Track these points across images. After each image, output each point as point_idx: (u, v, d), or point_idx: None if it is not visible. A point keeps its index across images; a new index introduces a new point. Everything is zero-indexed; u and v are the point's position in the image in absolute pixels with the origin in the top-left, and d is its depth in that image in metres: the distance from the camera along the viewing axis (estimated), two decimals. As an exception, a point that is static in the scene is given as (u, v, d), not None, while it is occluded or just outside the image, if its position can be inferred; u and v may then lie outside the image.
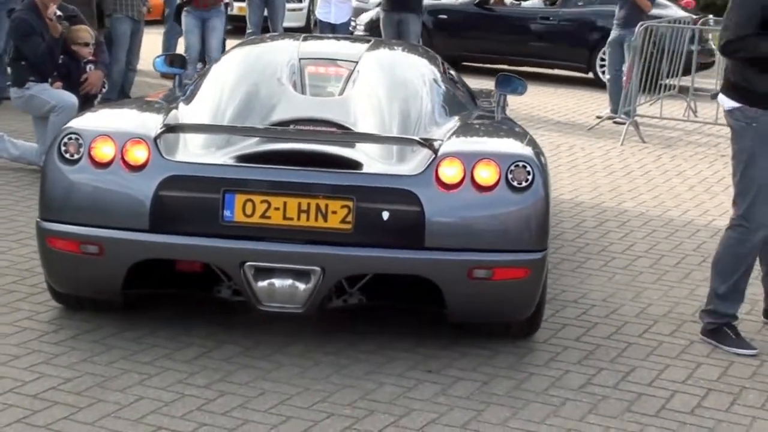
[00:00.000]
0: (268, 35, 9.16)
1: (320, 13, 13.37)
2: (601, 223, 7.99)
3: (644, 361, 5.36)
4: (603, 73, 15.42)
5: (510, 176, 5.07)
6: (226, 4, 12.88)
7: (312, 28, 20.04)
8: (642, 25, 11.67)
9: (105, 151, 5.09)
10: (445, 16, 16.41)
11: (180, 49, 12.79)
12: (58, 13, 8.42)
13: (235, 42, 8.55)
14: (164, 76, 11.45)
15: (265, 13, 13.97)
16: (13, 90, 8.68)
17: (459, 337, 5.44)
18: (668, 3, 15.97)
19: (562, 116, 12.96)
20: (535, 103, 13.41)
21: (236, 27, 15.71)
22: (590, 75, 15.67)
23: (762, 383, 5.18)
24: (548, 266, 5.45)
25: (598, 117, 12.58)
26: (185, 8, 12.18)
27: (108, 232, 5.03)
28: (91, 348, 5.09)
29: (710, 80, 14.21)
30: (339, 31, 13.15)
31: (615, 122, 12.15)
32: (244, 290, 5.05)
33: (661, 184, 9.44)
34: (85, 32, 8.71)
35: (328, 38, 8.20)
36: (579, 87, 15.46)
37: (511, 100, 6.88)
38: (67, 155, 5.14)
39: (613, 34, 12.68)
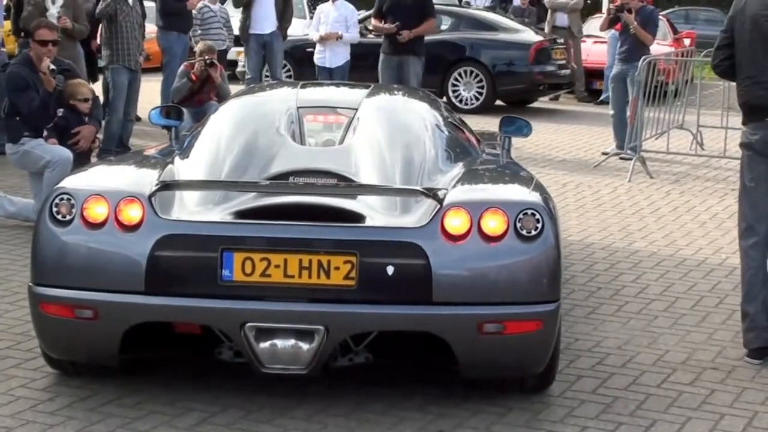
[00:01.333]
0: (265, 84, 9.02)
1: (317, 59, 13.26)
2: (613, 265, 7.79)
3: (664, 413, 5.15)
4: (457, 98, 15.82)
5: (518, 225, 4.89)
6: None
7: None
8: (645, 60, 11.52)
9: (98, 211, 4.93)
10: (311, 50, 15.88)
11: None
12: (52, 66, 8.29)
13: (235, 89, 8.43)
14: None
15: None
16: (8, 146, 8.55)
17: (470, 393, 5.23)
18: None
19: (567, 154, 12.80)
20: (539, 141, 13.24)
21: (233, 72, 15.60)
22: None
23: (788, 433, 4.98)
24: (561, 314, 5.25)
25: (604, 153, 12.41)
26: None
27: (102, 296, 4.86)
28: (87, 417, 4.89)
29: (716, 111, 14.05)
30: (336, 75, 13.02)
31: (621, 158, 11.99)
32: (245, 352, 4.87)
33: (672, 221, 9.25)
34: (84, 87, 8.60)
35: (327, 85, 8.07)
36: (583, 123, 15.31)
37: (515, 139, 6.72)
38: (59, 216, 4.97)
39: (616, 68, 12.54)
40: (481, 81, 15.84)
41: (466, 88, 15.93)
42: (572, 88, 17.73)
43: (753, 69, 5.84)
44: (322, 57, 13.32)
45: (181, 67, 11.71)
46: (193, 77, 11.17)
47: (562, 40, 17.10)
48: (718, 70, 6.16)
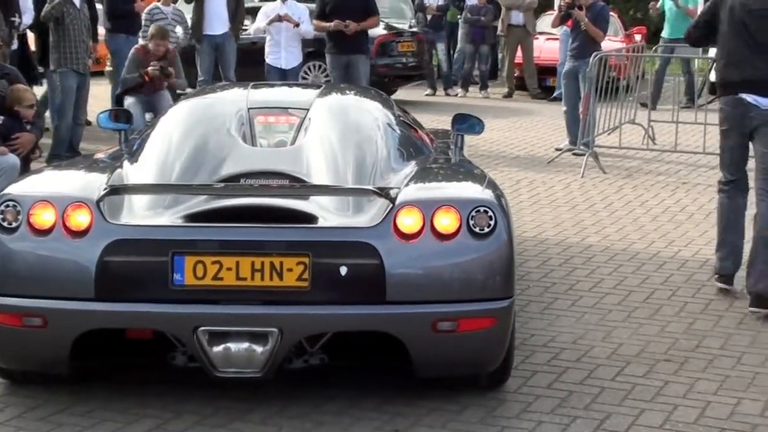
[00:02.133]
0: (216, 85, 8.95)
1: (270, 59, 13.08)
2: (567, 260, 7.81)
3: (619, 406, 5.17)
4: None
5: (471, 222, 4.88)
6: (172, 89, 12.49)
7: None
8: (596, 56, 11.56)
9: (45, 217, 4.86)
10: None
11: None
12: None
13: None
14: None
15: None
16: (-47, 153, 8.41)
17: (426, 391, 5.22)
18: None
19: (520, 150, 12.81)
20: (493, 138, 13.25)
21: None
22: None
23: (740, 423, 5.01)
24: (515, 311, 5.25)
25: (558, 149, 12.44)
26: (127, 94, 11.71)
27: (51, 303, 4.80)
28: (38, 427, 4.83)
29: (667, 107, 14.15)
30: (289, 77, 12.92)
31: (574, 154, 12.01)
32: (198, 356, 4.83)
33: (625, 216, 9.28)
34: (29, 93, 8.49)
35: (278, 85, 8.02)
36: (537, 120, 15.35)
37: (469, 137, 6.73)
38: (5, 223, 4.90)
39: (568, 65, 12.56)
40: (328, 75, 15.68)
41: (315, 81, 15.73)
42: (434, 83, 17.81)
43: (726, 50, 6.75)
44: (276, 57, 13.10)
45: (132, 51, 11.62)
46: (146, 77, 11.13)
47: (411, 33, 17.19)
48: (690, 39, 7.25)
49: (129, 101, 11.44)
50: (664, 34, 16.23)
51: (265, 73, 13.10)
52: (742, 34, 6.65)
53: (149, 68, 11.22)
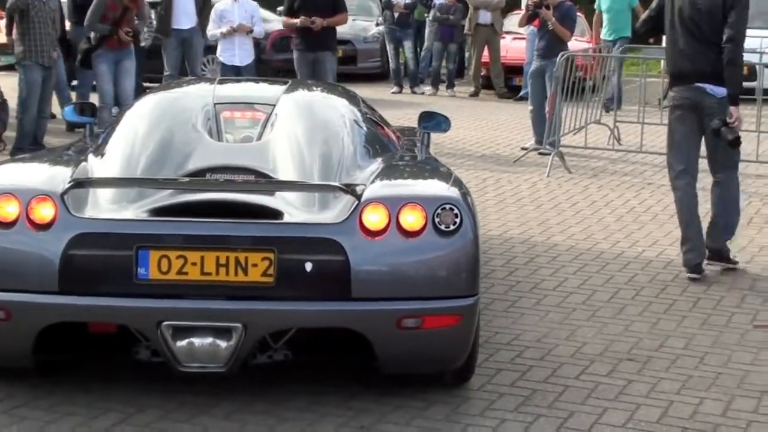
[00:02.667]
0: (182, 80, 8.92)
1: (224, 57, 12.89)
2: (532, 259, 7.83)
3: (582, 405, 5.19)
4: None
5: (437, 220, 4.89)
6: (140, 45, 12.59)
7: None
8: (563, 56, 11.60)
9: (8, 210, 4.83)
10: None
11: (92, 96, 12.46)
12: None
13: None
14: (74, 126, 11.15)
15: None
16: None
17: (392, 388, 5.22)
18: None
19: (486, 149, 12.84)
20: (459, 136, 13.28)
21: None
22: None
23: (702, 422, 5.04)
24: (480, 309, 5.26)
25: (523, 149, 12.47)
26: (96, 51, 11.80)
27: (15, 296, 4.78)
28: (0, 421, 4.79)
29: (632, 107, 14.19)
30: (245, 73, 12.85)
31: (540, 153, 12.04)
32: (162, 351, 4.81)
33: (590, 215, 9.32)
34: None
35: (244, 81, 7.99)
36: (503, 119, 15.39)
37: (435, 135, 6.75)
38: (-31, 216, 4.86)
39: (534, 64, 12.59)
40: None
41: (212, 74, 15.64)
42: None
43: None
44: (230, 55, 12.92)
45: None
46: (115, 36, 11.55)
47: None
48: (637, 33, 8.53)
49: (98, 64, 11.78)
50: (605, 35, 15.83)
51: (220, 72, 12.98)
52: (692, 29, 7.27)
53: (121, 33, 11.59)
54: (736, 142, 7.22)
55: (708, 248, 7.53)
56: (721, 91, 7.22)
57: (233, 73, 12.63)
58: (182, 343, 4.75)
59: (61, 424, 4.79)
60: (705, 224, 7.57)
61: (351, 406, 5.06)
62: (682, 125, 7.41)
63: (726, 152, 7.36)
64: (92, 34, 11.86)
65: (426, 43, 18.74)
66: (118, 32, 11.57)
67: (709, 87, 7.26)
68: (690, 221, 7.41)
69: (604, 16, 15.89)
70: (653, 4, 7.74)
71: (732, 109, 7.15)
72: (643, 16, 7.99)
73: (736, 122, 7.15)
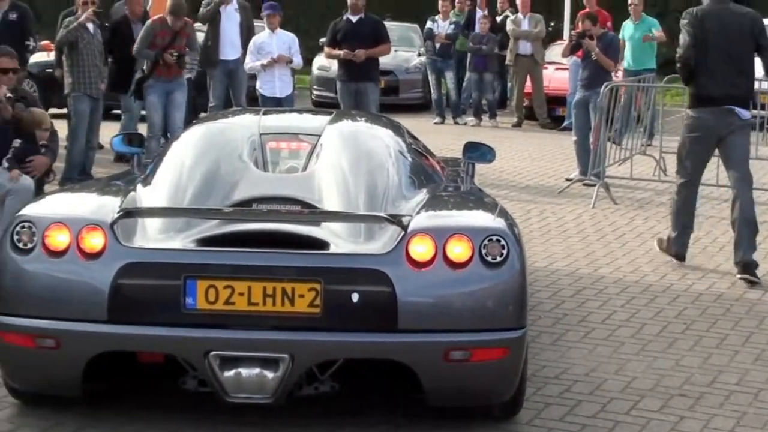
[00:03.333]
0: (228, 111, 8.96)
1: (264, 89, 12.83)
2: (579, 291, 7.78)
3: (633, 440, 5.13)
4: None
5: (484, 251, 4.86)
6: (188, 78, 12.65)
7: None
8: (607, 86, 11.56)
9: (59, 239, 4.86)
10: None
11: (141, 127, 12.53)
12: (9, 95, 8.18)
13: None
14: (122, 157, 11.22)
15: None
16: (-33, 174, 8.42)
17: (438, 420, 5.19)
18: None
19: (530, 180, 12.80)
20: (502, 167, 13.24)
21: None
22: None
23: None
24: (527, 341, 5.22)
25: (568, 179, 12.42)
26: (147, 82, 11.89)
27: (64, 325, 4.79)
28: (48, 449, 4.81)
29: (676, 138, 14.09)
30: (285, 104, 12.85)
31: (585, 184, 11.99)
32: (209, 381, 4.81)
33: (637, 247, 9.25)
34: (46, 117, 8.50)
35: (290, 111, 8.01)
36: (546, 149, 15.34)
37: (479, 165, 6.76)
38: (20, 244, 4.90)
39: (578, 95, 12.57)
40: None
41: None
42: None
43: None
44: (271, 87, 12.89)
45: (149, 22, 11.90)
46: (161, 61, 11.60)
47: None
48: (685, 79, 8.27)
49: (149, 95, 11.81)
50: (627, 65, 15.68)
51: (260, 104, 12.94)
52: (723, 56, 7.94)
53: (166, 56, 11.58)
54: None
55: (737, 263, 8.11)
56: (746, 114, 8.03)
57: (273, 104, 12.63)
58: (229, 373, 4.75)
59: (108, 453, 4.80)
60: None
61: (397, 438, 5.04)
62: (696, 144, 8.18)
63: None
64: (144, 65, 11.96)
65: (467, 74, 18.73)
66: (164, 56, 11.62)
67: (737, 109, 7.99)
68: (686, 223, 8.43)
69: (627, 45, 15.69)
70: (687, 45, 8.02)
71: None
72: (684, 59, 8.08)
73: None
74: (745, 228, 8.05)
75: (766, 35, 8.08)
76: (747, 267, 8.01)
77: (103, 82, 11.91)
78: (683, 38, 8.09)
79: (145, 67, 11.97)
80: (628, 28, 15.82)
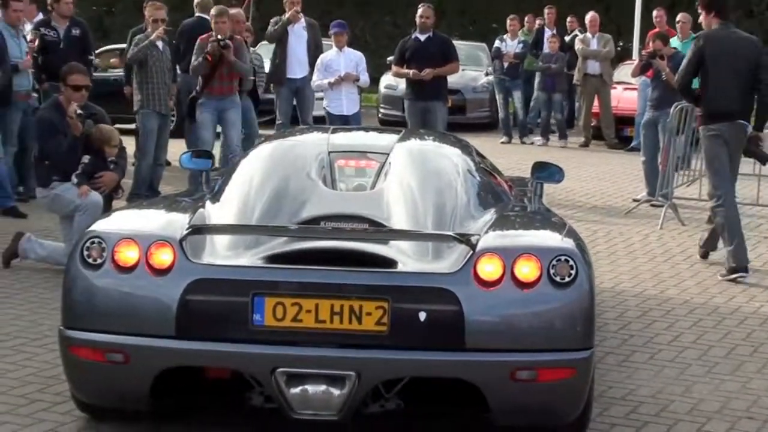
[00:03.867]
0: (296, 128, 9.01)
1: (331, 107, 12.85)
2: (645, 312, 7.72)
3: (700, 463, 5.08)
4: None
5: (552, 271, 4.84)
6: (248, 92, 12.62)
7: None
8: (677, 106, 11.47)
9: (129, 254, 4.91)
10: None
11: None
12: (79, 111, 8.28)
13: (267, 133, 8.42)
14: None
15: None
16: (38, 190, 8.58)
17: (503, 440, 5.17)
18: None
19: (597, 200, 12.74)
20: (569, 187, 13.15)
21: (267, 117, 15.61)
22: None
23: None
24: (594, 362, 5.19)
25: (635, 200, 12.34)
26: (199, 101, 11.83)
27: (133, 340, 4.84)
28: (116, 462, 4.86)
29: (748, 160, 13.94)
30: (353, 121, 12.87)
31: (652, 205, 11.91)
32: (276, 397, 4.83)
33: (704, 269, 9.17)
34: (115, 133, 8.58)
35: (358, 130, 8.03)
36: (614, 170, 15.24)
37: (546, 186, 6.76)
38: (90, 260, 4.96)
39: (647, 115, 12.49)
40: None
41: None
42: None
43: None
44: (338, 105, 12.91)
45: (198, 41, 11.73)
46: (208, 57, 11.31)
47: None
48: (683, 89, 9.25)
49: (201, 113, 11.64)
50: None
51: (328, 122, 12.95)
52: (731, 75, 8.73)
53: (208, 46, 11.39)
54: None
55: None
56: (749, 127, 8.90)
57: (341, 122, 12.65)
58: (296, 390, 4.76)
59: (175, 468, 4.83)
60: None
61: (462, 457, 5.02)
62: (722, 157, 8.86)
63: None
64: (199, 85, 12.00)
65: (535, 93, 18.69)
66: (209, 52, 11.42)
67: (745, 124, 8.85)
68: (738, 233, 8.85)
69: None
70: (689, 60, 8.89)
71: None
72: (685, 72, 8.95)
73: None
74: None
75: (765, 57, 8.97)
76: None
77: (171, 99, 12.01)
78: (683, 65, 9.01)
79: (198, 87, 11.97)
80: (675, 45, 15.59)
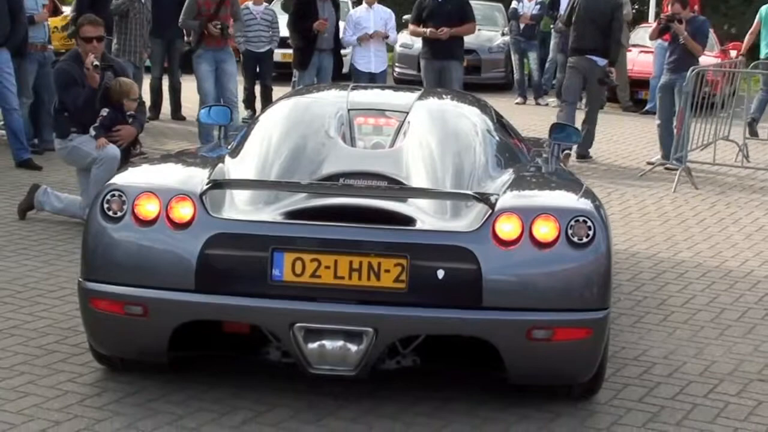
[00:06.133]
0: (316, 86, 9.01)
1: (360, 63, 12.99)
2: (659, 275, 7.74)
3: (711, 424, 5.12)
4: None
5: (570, 232, 4.87)
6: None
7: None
8: (693, 70, 11.43)
9: (149, 208, 4.94)
10: None
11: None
12: (96, 63, 8.28)
13: (281, 90, 8.44)
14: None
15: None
16: (56, 141, 8.58)
17: (518, 398, 5.21)
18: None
19: (612, 163, 12.73)
20: (584, 149, 13.16)
21: (280, 74, 15.57)
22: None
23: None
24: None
25: (650, 163, 12.33)
26: (196, 53, 11.95)
27: (153, 293, 4.87)
28: (134, 413, 4.91)
29: (762, 124, 13.96)
30: (379, 79, 12.91)
31: (666, 168, 11.90)
32: (293, 352, 4.87)
33: (717, 232, 9.18)
34: (135, 86, 8.58)
35: (377, 88, 8.02)
36: (628, 132, 15.22)
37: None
38: (110, 213, 4.99)
39: (664, 78, 12.44)
40: None
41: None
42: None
43: None
44: (366, 62, 13.02)
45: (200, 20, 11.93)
46: (205, 31, 11.71)
47: None
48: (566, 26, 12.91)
49: (199, 66, 11.89)
50: (765, 54, 14.61)
51: (354, 78, 13.02)
52: (586, 19, 12.08)
53: (210, 27, 11.67)
54: None
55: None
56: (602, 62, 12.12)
57: (367, 79, 12.73)
58: (313, 345, 4.80)
59: (192, 419, 4.88)
60: None
61: (477, 414, 5.07)
62: (575, 79, 12.52)
63: None
64: (191, 37, 12.13)
65: (550, 55, 18.62)
66: (208, 27, 11.69)
67: (597, 59, 12.15)
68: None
69: (763, 30, 14.71)
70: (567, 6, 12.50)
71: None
72: (567, 15, 12.66)
73: None
74: None
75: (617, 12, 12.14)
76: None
77: (146, 50, 12.32)
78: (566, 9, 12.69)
79: (190, 40, 12.11)
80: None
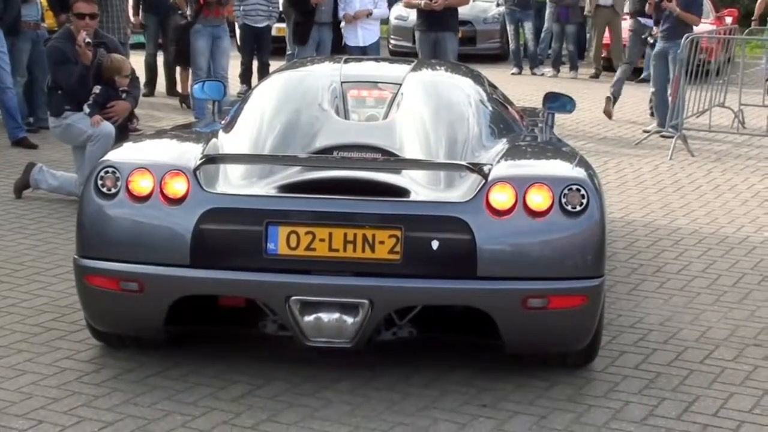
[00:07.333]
0: (309, 58, 8.99)
1: (349, 39, 12.97)
2: (655, 242, 7.76)
3: (708, 389, 5.13)
4: None
5: (564, 200, 4.87)
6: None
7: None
8: (687, 37, 11.41)
9: (143, 184, 4.94)
10: None
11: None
12: (87, 40, 8.26)
13: (277, 64, 8.42)
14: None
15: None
16: (51, 119, 8.57)
17: (514, 368, 5.23)
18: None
19: (608, 131, 12.73)
20: (579, 118, 13.18)
21: (275, 48, 15.51)
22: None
23: (833, 411, 4.95)
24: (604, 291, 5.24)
25: (645, 131, 12.33)
26: (193, 28, 11.97)
27: (148, 269, 4.88)
28: (132, 389, 4.93)
29: (757, 90, 13.95)
30: (370, 52, 12.90)
31: (662, 136, 11.91)
32: (290, 325, 4.88)
33: (713, 199, 9.19)
34: (127, 63, 8.56)
35: (370, 60, 8.01)
36: (624, 100, 15.18)
37: (557, 115, 6.76)
38: (104, 189, 4.99)
39: (658, 46, 12.42)
40: None
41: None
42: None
43: None
44: (354, 37, 12.98)
45: None
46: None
47: None
48: None
49: (196, 40, 11.94)
50: None
51: (348, 53, 12.95)
52: None
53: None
54: None
55: None
56: None
57: (358, 53, 12.70)
58: (309, 318, 4.82)
59: (190, 393, 4.90)
60: None
61: (473, 384, 5.09)
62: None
63: None
64: (188, 12, 12.14)
65: (546, 24, 18.59)
66: None
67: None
68: None
69: None
70: None
71: None
72: None
73: None
74: None
75: None
76: None
77: (129, 27, 12.34)
78: None
79: (187, 14, 12.11)
80: None
